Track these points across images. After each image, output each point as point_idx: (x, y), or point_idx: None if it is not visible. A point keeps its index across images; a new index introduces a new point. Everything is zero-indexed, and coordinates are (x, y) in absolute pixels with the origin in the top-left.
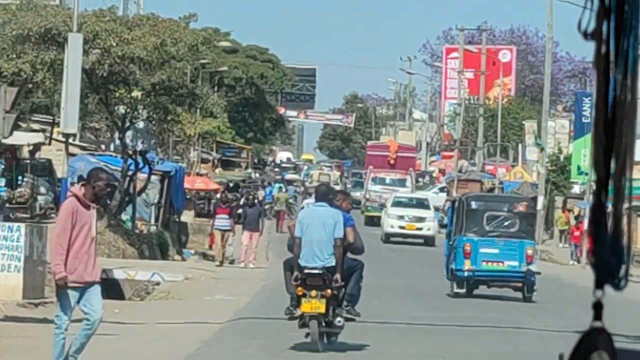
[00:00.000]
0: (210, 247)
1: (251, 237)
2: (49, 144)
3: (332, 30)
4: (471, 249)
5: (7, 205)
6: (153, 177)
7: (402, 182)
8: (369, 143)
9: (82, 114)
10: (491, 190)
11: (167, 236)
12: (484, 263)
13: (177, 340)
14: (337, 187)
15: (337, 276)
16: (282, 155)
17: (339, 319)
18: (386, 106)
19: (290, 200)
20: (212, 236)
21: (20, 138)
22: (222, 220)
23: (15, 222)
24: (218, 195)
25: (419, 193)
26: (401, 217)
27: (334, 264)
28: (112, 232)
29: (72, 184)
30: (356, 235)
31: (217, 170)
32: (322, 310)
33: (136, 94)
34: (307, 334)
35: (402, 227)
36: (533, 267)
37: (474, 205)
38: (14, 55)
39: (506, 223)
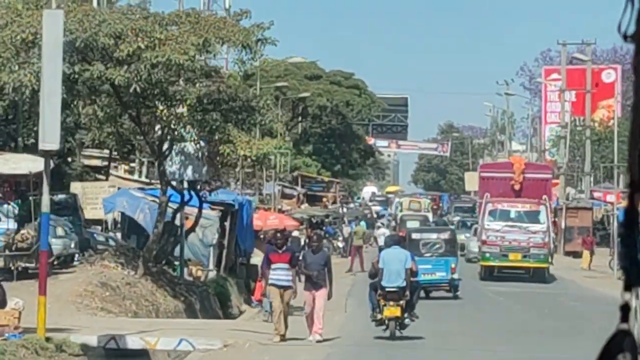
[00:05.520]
0: (260, 302)
1: (315, 298)
2: (106, 179)
3: (423, 58)
4: None
5: (7, 252)
6: (211, 213)
7: (533, 216)
8: (483, 163)
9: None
10: (602, 218)
11: (230, 283)
12: (422, 275)
13: None
14: (429, 216)
15: (407, 292)
16: (368, 190)
17: (407, 320)
18: (483, 137)
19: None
20: (260, 287)
21: (21, 166)
22: (279, 272)
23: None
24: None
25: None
26: None
27: (404, 284)
28: (152, 281)
29: (116, 222)
30: (415, 264)
31: (302, 206)
32: (398, 314)
33: (181, 110)
34: (384, 329)
35: None
36: (455, 276)
37: (413, 235)
38: (16, 67)
39: (436, 246)
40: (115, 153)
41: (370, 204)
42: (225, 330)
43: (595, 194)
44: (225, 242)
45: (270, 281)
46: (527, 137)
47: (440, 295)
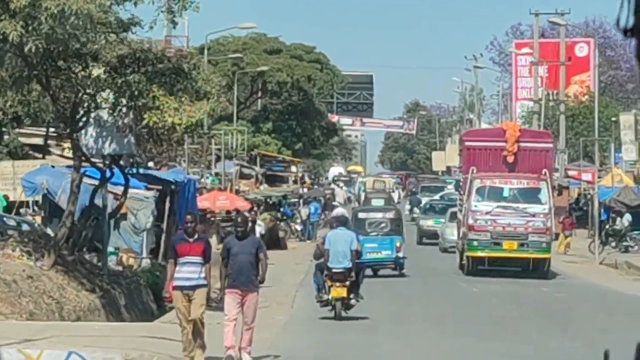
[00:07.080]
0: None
1: (243, 301)
2: (43, 157)
3: (388, 33)
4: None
5: None
6: (147, 193)
7: (532, 195)
8: (467, 130)
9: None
10: (578, 198)
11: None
12: (368, 254)
13: None
14: (395, 195)
15: (353, 273)
16: (334, 171)
17: (353, 301)
18: (451, 116)
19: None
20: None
21: None
22: (187, 270)
23: None
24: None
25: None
26: None
27: (350, 265)
28: (64, 273)
29: (36, 203)
30: (360, 245)
31: (261, 187)
32: (344, 294)
33: (98, 72)
34: (330, 310)
35: None
36: (400, 254)
37: (359, 215)
38: None
39: (381, 225)
40: (53, 130)
41: (333, 184)
42: (136, 337)
43: (570, 172)
44: (164, 225)
45: (175, 282)
46: (497, 114)
47: (387, 273)
